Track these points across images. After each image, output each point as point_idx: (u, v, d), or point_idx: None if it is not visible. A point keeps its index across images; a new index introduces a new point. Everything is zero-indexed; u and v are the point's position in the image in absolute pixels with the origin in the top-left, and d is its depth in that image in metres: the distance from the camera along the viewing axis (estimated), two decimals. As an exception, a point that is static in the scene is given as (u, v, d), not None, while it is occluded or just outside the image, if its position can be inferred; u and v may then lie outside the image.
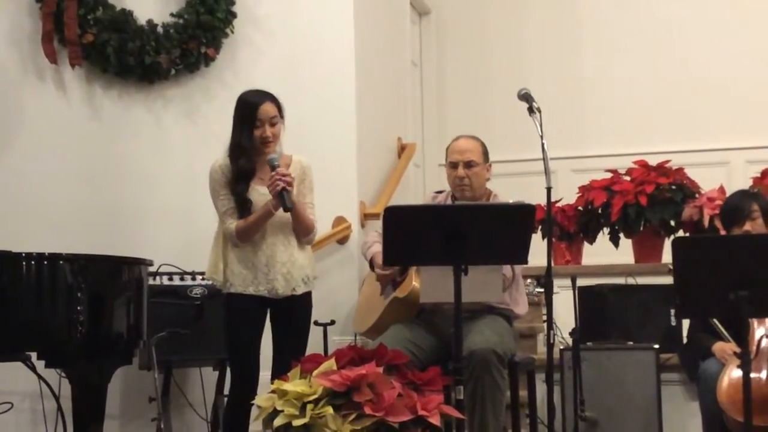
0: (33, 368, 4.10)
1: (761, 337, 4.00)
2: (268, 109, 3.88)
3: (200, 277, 4.55)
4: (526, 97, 3.82)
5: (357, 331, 4.68)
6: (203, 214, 4.16)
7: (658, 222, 5.68)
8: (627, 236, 5.86)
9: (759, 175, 5.77)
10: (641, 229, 5.76)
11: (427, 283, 3.60)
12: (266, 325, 3.98)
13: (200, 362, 4.82)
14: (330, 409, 3.25)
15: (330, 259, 5.12)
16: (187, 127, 5.31)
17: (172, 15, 5.26)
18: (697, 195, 5.73)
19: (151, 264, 4.24)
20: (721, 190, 5.62)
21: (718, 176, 6.24)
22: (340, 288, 5.08)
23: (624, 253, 5.89)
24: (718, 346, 4.11)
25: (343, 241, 5.17)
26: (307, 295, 3.99)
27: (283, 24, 5.33)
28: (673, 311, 4.87)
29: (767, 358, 3.96)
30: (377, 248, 4.00)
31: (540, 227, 5.44)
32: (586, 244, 6.08)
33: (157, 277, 4.62)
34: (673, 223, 5.71)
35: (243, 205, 3.87)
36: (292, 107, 4.05)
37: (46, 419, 4.54)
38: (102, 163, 5.26)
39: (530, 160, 4.78)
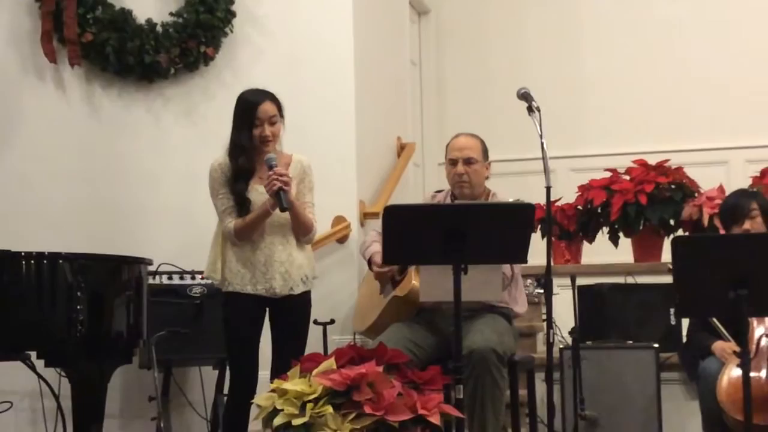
0: (33, 367, 4.10)
1: (761, 336, 4.00)
2: (267, 108, 3.88)
3: (200, 276, 4.55)
4: (525, 96, 3.82)
5: (356, 330, 4.68)
6: (203, 213, 4.17)
7: (658, 221, 5.69)
8: (626, 235, 5.87)
9: (758, 174, 5.77)
10: (641, 228, 5.76)
11: (426, 282, 3.60)
12: (266, 325, 3.99)
13: (200, 361, 4.82)
14: (330, 409, 3.25)
15: (329, 259, 5.12)
16: (187, 127, 5.31)
17: (171, 14, 5.26)
18: (696, 194, 5.74)
19: (150, 263, 4.24)
20: (721, 189, 5.62)
21: (717, 175, 6.24)
22: (340, 287, 5.08)
23: (623, 252, 5.89)
24: (718, 345, 4.12)
25: (342, 240, 5.17)
26: (306, 295, 3.98)
27: (283, 23, 5.33)
28: (672, 310, 4.87)
29: (767, 357, 3.96)
30: (376, 247, 4.00)
31: (539, 226, 5.45)
32: (585, 244, 6.08)
33: (157, 277, 4.62)
34: (672, 222, 5.72)
35: (242, 204, 3.87)
36: (292, 107, 4.05)
37: (45, 418, 4.54)
38: (101, 162, 5.26)
39: (529, 159, 4.79)
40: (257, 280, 3.88)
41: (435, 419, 3.28)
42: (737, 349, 3.93)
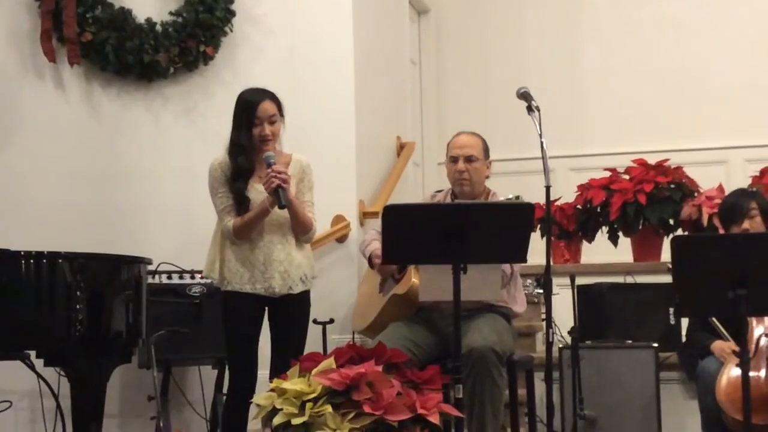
0: (32, 367, 4.09)
1: (760, 336, 4.00)
2: (267, 107, 3.88)
3: (199, 275, 4.54)
4: (524, 95, 3.82)
5: (355, 329, 4.68)
6: (202, 213, 4.16)
7: (657, 221, 5.69)
8: (626, 235, 5.87)
9: (758, 173, 5.77)
10: (640, 227, 5.77)
11: (426, 281, 3.60)
12: (265, 324, 3.99)
13: (199, 361, 4.82)
14: (329, 408, 3.25)
15: (329, 258, 5.12)
16: (186, 126, 5.31)
17: (170, 13, 5.26)
18: (695, 194, 5.74)
19: (150, 262, 4.23)
20: (720, 188, 5.63)
21: (716, 175, 6.25)
22: (339, 286, 5.08)
23: (623, 251, 5.89)
24: (717, 345, 4.12)
25: (342, 239, 5.17)
26: (305, 294, 3.98)
27: (282, 23, 5.33)
28: (672, 310, 4.87)
29: (766, 357, 3.96)
30: (376, 245, 4.01)
31: (539, 226, 5.45)
32: (585, 243, 6.09)
33: (156, 276, 4.61)
34: (671, 221, 5.72)
35: (241, 203, 3.87)
36: (291, 106, 4.05)
37: (45, 418, 4.53)
38: (101, 161, 5.26)
39: (529, 158, 4.79)
40: (256, 279, 3.88)
41: (434, 419, 3.28)
42: (736, 348, 3.93)
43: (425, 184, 6.95)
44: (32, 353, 4.01)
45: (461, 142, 4.13)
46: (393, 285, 4.18)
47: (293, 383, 3.37)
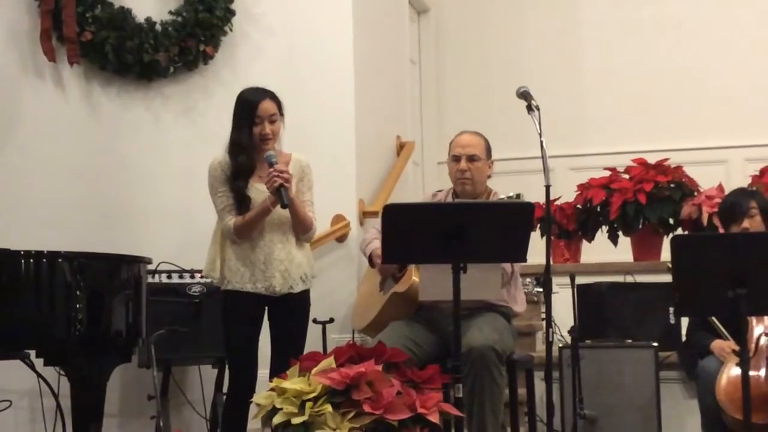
0: (32, 366, 4.09)
1: (760, 335, 4.00)
2: (267, 106, 3.89)
3: (199, 275, 4.54)
4: (524, 95, 3.82)
5: (356, 328, 4.68)
6: (202, 212, 4.17)
7: (657, 220, 5.69)
8: (626, 234, 5.87)
9: (757, 173, 5.77)
10: (640, 227, 5.77)
11: (426, 280, 3.60)
12: (265, 323, 3.99)
13: (199, 360, 4.82)
14: (329, 407, 3.25)
15: (329, 257, 5.12)
16: (186, 125, 5.31)
17: (170, 13, 5.26)
18: (695, 193, 5.74)
19: (149, 262, 4.23)
20: (720, 188, 5.63)
21: (716, 174, 6.25)
22: (339, 286, 5.08)
23: (623, 251, 5.89)
24: (717, 344, 4.12)
25: (342, 239, 5.17)
26: (305, 293, 3.99)
27: (282, 22, 5.33)
28: (671, 309, 4.87)
29: (766, 356, 3.96)
30: (376, 244, 4.00)
31: (539, 225, 5.45)
32: (584, 242, 6.09)
33: (156, 275, 4.61)
34: (671, 221, 5.72)
35: (242, 202, 3.87)
36: (291, 105, 4.05)
37: (45, 417, 4.53)
38: (100, 160, 5.26)
39: (529, 158, 4.78)
40: (257, 278, 3.88)
41: (434, 418, 3.28)
42: (736, 348, 3.93)
43: (425, 183, 6.95)
44: (32, 352, 4.01)
45: (464, 141, 4.12)
46: (393, 283, 4.18)
47: (293, 383, 3.37)
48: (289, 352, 3.73)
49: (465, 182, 4.09)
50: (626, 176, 5.87)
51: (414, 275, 3.97)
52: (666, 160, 5.93)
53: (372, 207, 5.28)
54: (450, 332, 3.42)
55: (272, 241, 3.90)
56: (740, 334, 3.33)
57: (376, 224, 4.22)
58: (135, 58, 5.19)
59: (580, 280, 4.71)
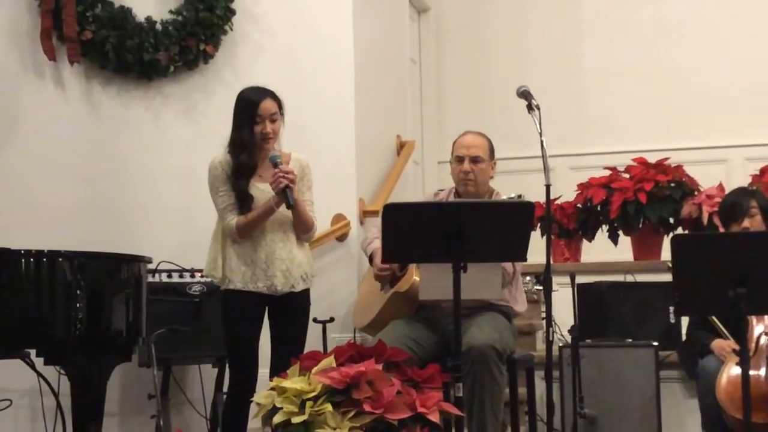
0: (32, 365, 4.10)
1: (760, 335, 4.00)
2: (268, 105, 3.89)
3: (199, 274, 4.55)
4: (525, 94, 3.82)
5: (356, 327, 4.68)
6: (202, 211, 4.17)
7: (657, 219, 5.69)
8: (626, 233, 5.87)
9: (758, 172, 5.77)
10: (640, 226, 5.77)
11: (426, 280, 3.60)
12: (265, 323, 3.99)
13: (199, 359, 4.82)
14: (329, 407, 3.24)
15: (329, 257, 5.12)
16: (186, 124, 5.31)
17: (170, 12, 5.26)
18: (696, 192, 5.74)
19: (150, 261, 4.23)
20: (720, 187, 5.63)
21: (717, 174, 6.25)
22: (339, 285, 5.08)
23: (623, 250, 5.89)
24: (717, 344, 4.11)
25: (342, 238, 5.17)
26: (306, 293, 3.99)
27: (282, 21, 5.33)
28: (672, 308, 4.87)
29: (766, 356, 3.96)
30: (377, 244, 4.00)
31: (539, 224, 5.45)
32: (585, 242, 6.09)
33: (156, 275, 4.61)
34: (672, 220, 5.72)
35: (244, 201, 3.87)
36: (291, 104, 4.05)
37: (45, 416, 4.53)
38: (101, 159, 5.26)
39: (529, 157, 4.78)
40: (258, 277, 3.88)
41: (434, 417, 3.27)
42: (736, 347, 3.93)
43: (425, 182, 6.95)
44: (32, 352, 4.01)
45: (467, 141, 4.11)
46: (394, 283, 4.17)
47: (293, 382, 3.36)
48: (289, 352, 3.73)
49: (468, 184, 4.08)
50: (626, 175, 5.87)
51: (415, 275, 3.97)
52: (666, 159, 5.93)
53: (372, 206, 5.28)
54: (450, 331, 3.42)
55: (273, 240, 3.90)
56: (740, 333, 3.33)
57: (377, 223, 4.21)
58: (135, 58, 5.19)
59: (581, 279, 4.70)
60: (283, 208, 3.83)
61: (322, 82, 5.23)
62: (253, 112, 3.87)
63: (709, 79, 6.92)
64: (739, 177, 6.22)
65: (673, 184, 5.74)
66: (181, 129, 5.30)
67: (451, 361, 3.31)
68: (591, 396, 4.41)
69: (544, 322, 4.19)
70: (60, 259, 3.77)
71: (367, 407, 3.23)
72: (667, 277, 3.53)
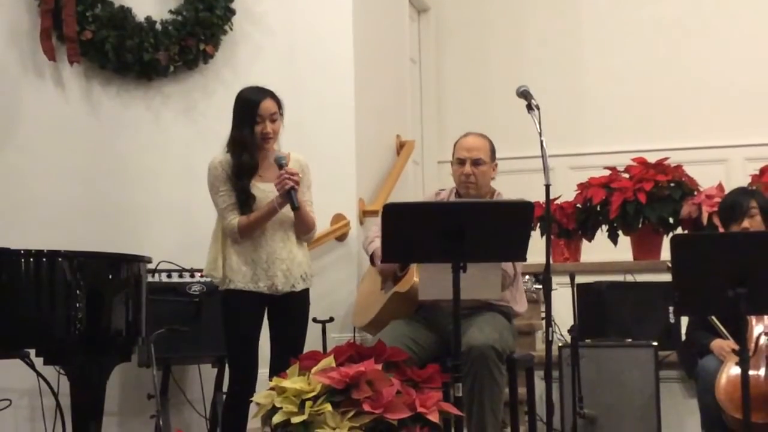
0: (31, 365, 4.09)
1: (759, 335, 4.00)
2: (269, 105, 3.89)
3: (199, 274, 4.55)
4: (524, 94, 3.82)
5: (356, 326, 4.68)
6: (202, 211, 4.17)
7: (657, 219, 5.69)
8: (625, 233, 5.87)
9: (757, 172, 5.77)
10: (640, 226, 5.77)
11: (425, 280, 3.60)
12: (264, 322, 3.99)
13: (199, 359, 4.82)
14: (329, 407, 3.25)
15: (329, 257, 5.12)
16: (186, 124, 5.31)
17: (170, 12, 5.26)
18: (695, 192, 5.74)
19: (149, 261, 4.23)
20: (720, 187, 5.63)
21: (716, 173, 6.25)
22: (339, 285, 5.08)
23: (623, 250, 5.89)
24: (717, 343, 4.11)
25: (341, 238, 5.17)
26: (305, 292, 3.99)
27: (282, 21, 5.33)
28: (671, 308, 4.87)
29: (765, 356, 3.96)
30: (378, 243, 4.00)
31: (539, 224, 5.45)
32: (584, 242, 6.09)
33: (156, 274, 4.61)
34: (671, 220, 5.72)
35: (245, 201, 3.87)
36: (291, 104, 4.05)
37: (44, 416, 4.53)
38: (100, 159, 5.25)
39: (529, 157, 4.77)
40: (259, 277, 3.88)
41: (434, 417, 3.28)
42: (736, 347, 3.93)
43: (425, 182, 6.95)
44: (32, 351, 4.01)
45: (468, 144, 4.10)
46: (394, 283, 4.17)
47: (293, 382, 3.37)
48: (289, 351, 3.74)
49: (469, 187, 4.08)
50: (626, 175, 5.87)
51: (415, 275, 3.97)
52: (666, 159, 5.93)
53: (372, 206, 5.28)
54: (450, 331, 3.42)
55: (274, 240, 3.91)
56: (740, 333, 3.33)
57: (378, 222, 4.22)
58: (135, 57, 5.18)
59: (580, 279, 4.71)
60: (292, 210, 3.84)
61: (322, 82, 5.23)
62: (254, 112, 3.87)
63: (709, 79, 6.92)
64: (738, 177, 6.22)
65: (672, 184, 5.74)
66: (181, 129, 5.30)
67: (450, 361, 3.31)
68: (590, 396, 4.41)
69: (543, 322, 4.19)
70: (59, 259, 3.77)
71: (366, 407, 3.23)
72: (667, 277, 3.54)
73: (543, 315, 4.55)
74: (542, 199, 3.77)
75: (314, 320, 4.48)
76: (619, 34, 7.16)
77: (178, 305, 4.57)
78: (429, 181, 6.93)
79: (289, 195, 3.77)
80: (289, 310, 3.94)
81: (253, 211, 3.86)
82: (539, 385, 4.18)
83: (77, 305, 3.74)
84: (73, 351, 3.78)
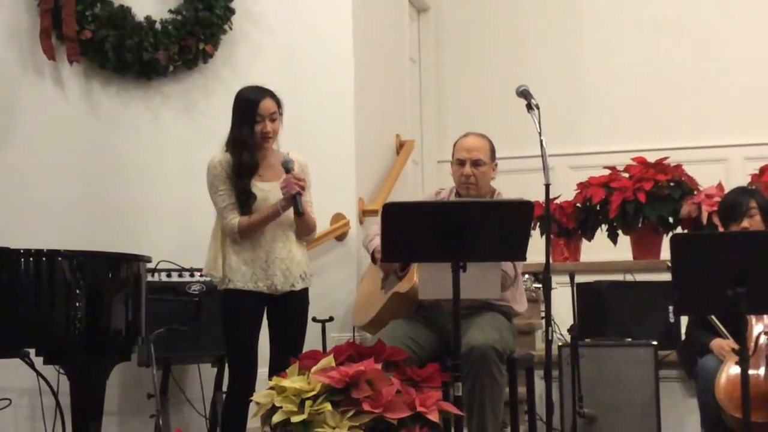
0: (31, 365, 4.09)
1: (759, 334, 4.00)
2: (268, 104, 3.89)
3: (198, 273, 4.55)
4: (524, 93, 3.81)
5: (355, 325, 4.68)
6: (201, 211, 4.16)
7: (657, 219, 5.69)
8: (625, 233, 5.87)
9: (757, 172, 5.77)
10: (639, 225, 5.77)
11: (425, 279, 3.60)
12: (264, 322, 3.99)
13: (198, 359, 4.82)
14: (328, 406, 3.24)
15: (328, 256, 5.12)
16: (185, 124, 5.31)
17: (170, 11, 5.26)
18: (695, 192, 5.74)
19: (149, 260, 4.23)
20: (720, 186, 5.63)
21: (716, 173, 6.25)
22: (339, 284, 5.08)
23: (622, 249, 5.89)
24: (716, 343, 4.11)
25: (341, 237, 5.17)
26: (305, 292, 3.99)
27: (282, 20, 5.33)
28: (671, 308, 4.87)
29: (765, 355, 3.96)
30: (378, 241, 4.00)
31: (538, 224, 5.45)
32: (584, 241, 6.09)
33: (156, 274, 4.61)
34: (671, 219, 5.72)
35: (245, 201, 3.87)
36: (291, 104, 4.05)
37: (44, 416, 4.53)
38: (100, 159, 5.26)
39: (529, 156, 4.78)
40: (258, 277, 3.88)
41: (434, 417, 3.27)
42: (735, 346, 3.92)
43: (425, 182, 6.95)
44: (32, 351, 4.01)
45: (468, 144, 4.09)
46: (395, 282, 4.17)
47: (292, 381, 3.36)
48: (288, 351, 3.74)
49: (469, 187, 4.07)
50: (626, 175, 5.87)
51: (416, 275, 3.97)
52: (666, 158, 5.93)
53: (372, 206, 5.28)
54: (450, 331, 3.42)
55: (273, 239, 3.91)
56: (740, 332, 3.33)
57: (377, 221, 4.22)
58: (134, 57, 5.18)
59: (580, 278, 4.70)
60: (296, 214, 3.84)
61: (321, 82, 5.23)
62: (253, 111, 3.87)
63: (709, 79, 6.92)
64: (738, 176, 6.22)
65: (672, 184, 5.74)
66: (181, 128, 5.30)
67: (450, 360, 3.31)
68: (590, 395, 4.41)
69: (543, 321, 4.18)
70: (59, 259, 3.77)
71: (366, 406, 3.23)
72: (667, 277, 3.54)
73: (543, 314, 4.55)
74: (542, 198, 3.77)
75: (314, 320, 4.48)
76: (619, 34, 7.16)
77: (178, 305, 4.57)
78: (429, 181, 6.93)
79: (294, 199, 3.78)
80: (289, 309, 3.94)
81: (252, 211, 3.86)
82: (539, 385, 4.18)
83: (77, 305, 3.75)
84: (73, 350, 3.79)
